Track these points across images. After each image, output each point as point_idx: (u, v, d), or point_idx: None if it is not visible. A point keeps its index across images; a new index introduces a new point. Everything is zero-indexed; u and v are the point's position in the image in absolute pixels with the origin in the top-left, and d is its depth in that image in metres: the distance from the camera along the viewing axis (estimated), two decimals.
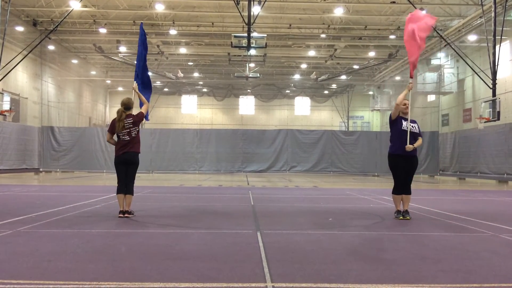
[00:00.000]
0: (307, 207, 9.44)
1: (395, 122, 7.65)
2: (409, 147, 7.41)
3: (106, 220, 7.05)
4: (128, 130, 7.37)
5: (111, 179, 19.47)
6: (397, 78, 38.95)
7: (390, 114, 7.79)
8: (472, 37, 27.54)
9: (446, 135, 30.30)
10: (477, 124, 23.64)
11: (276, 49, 33.77)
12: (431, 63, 33.41)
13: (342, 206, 9.87)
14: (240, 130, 31.62)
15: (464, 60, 21.85)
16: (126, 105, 7.44)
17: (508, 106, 24.60)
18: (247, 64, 34.80)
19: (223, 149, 29.89)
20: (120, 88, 46.23)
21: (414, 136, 7.54)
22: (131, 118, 7.40)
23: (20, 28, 27.65)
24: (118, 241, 5.45)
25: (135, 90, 7.95)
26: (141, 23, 9.60)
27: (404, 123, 7.56)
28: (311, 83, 42.56)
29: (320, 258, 4.56)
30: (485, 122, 22.11)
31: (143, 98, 7.93)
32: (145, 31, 8.67)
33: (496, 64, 19.78)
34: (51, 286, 3.48)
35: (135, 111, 7.58)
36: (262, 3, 20.20)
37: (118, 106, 7.55)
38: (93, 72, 41.95)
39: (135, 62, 8.47)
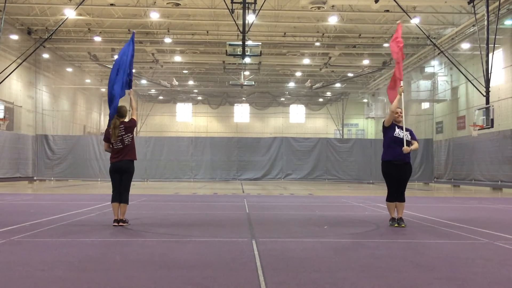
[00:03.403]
0: (302, 215, 9.43)
1: (388, 128, 7.66)
2: (405, 149, 7.40)
3: (101, 229, 7.01)
4: (121, 137, 7.41)
5: (106, 188, 19.38)
6: None
7: (384, 121, 7.82)
8: (465, 45, 27.71)
9: (440, 143, 30.39)
10: (471, 132, 23.72)
11: (270, 57, 33.85)
12: (425, 71, 33.56)
13: (337, 213, 9.87)
14: (235, 138, 31.60)
15: (457, 68, 21.94)
16: (120, 113, 7.54)
17: (501, 113, 24.73)
18: (242, 72, 34.82)
19: (218, 157, 29.84)
20: None
21: (408, 144, 7.56)
22: (122, 125, 7.48)
23: (14, 37, 27.57)
24: (112, 250, 5.43)
25: (130, 96, 8.03)
26: (133, 32, 9.29)
27: (397, 129, 7.57)
28: (305, 91, 42.64)
29: (315, 266, 4.55)
30: (479, 129, 22.19)
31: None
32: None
33: (489, 72, 19.89)
34: None
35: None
36: (257, 11, 20.26)
37: None
38: (88, 80, 41.83)
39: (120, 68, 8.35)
